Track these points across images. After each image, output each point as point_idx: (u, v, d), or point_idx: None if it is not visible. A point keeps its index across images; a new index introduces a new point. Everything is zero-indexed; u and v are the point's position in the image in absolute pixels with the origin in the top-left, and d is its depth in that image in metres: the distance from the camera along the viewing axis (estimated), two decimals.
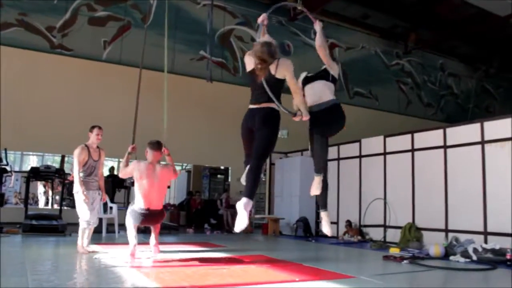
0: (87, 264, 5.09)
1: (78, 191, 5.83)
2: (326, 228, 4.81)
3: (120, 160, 14.54)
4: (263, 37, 4.58)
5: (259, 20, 4.70)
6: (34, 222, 8.28)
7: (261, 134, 4.27)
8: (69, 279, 4.07)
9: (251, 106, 4.43)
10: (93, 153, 6.08)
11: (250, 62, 4.37)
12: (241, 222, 4.03)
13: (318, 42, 4.62)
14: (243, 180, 4.38)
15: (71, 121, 11.05)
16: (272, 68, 4.26)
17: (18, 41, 11.02)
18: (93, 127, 6.15)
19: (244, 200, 4.07)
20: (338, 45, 16.00)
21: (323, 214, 4.86)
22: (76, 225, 9.64)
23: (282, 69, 4.27)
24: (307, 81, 4.77)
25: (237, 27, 14.18)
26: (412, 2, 14.57)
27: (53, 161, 15.23)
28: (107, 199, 7.03)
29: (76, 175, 5.86)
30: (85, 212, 5.87)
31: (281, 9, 14.61)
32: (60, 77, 11.40)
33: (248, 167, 4.34)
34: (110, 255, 5.61)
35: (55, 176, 12.32)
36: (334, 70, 4.69)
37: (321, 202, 4.90)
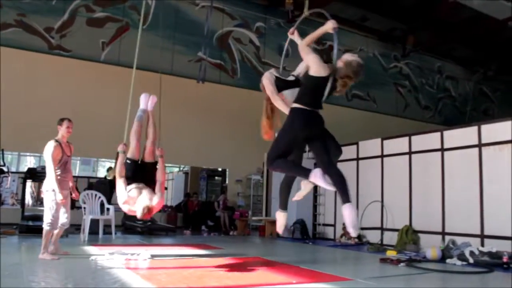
0: (84, 265, 5.08)
1: (50, 189, 5.45)
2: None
3: None
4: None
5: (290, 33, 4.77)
6: (30, 223, 8.25)
7: (330, 138, 4.27)
8: (66, 281, 4.06)
9: (317, 110, 4.00)
10: (65, 148, 5.71)
11: (326, 68, 3.97)
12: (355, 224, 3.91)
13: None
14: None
15: None
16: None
17: (17, 42, 11.00)
18: (62, 120, 5.75)
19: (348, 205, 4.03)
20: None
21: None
22: (73, 226, 9.70)
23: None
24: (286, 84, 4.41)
25: (235, 29, 14.19)
26: (410, 4, 14.60)
27: None
28: (81, 196, 6.83)
29: (52, 172, 5.46)
30: (55, 213, 5.47)
31: (279, 11, 14.67)
32: (58, 78, 11.38)
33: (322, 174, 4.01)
34: (106, 256, 5.59)
35: None
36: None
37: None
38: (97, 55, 12.02)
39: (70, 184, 5.82)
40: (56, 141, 5.62)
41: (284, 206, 4.51)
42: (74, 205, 13.31)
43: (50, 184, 5.47)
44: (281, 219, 4.53)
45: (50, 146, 5.55)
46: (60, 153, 5.58)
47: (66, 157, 5.67)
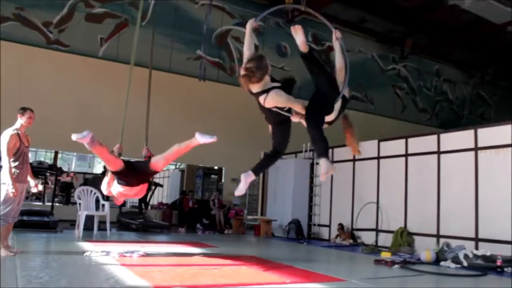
0: (78, 261, 5.06)
1: (6, 182, 5.08)
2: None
3: None
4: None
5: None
6: (25, 218, 8.21)
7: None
8: (59, 277, 4.04)
9: None
10: (23, 139, 5.38)
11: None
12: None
13: (340, 60, 4.62)
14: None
15: (65, 117, 10.99)
16: (261, 99, 4.20)
17: (14, 36, 10.95)
18: (24, 110, 5.41)
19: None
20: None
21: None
22: (68, 221, 9.69)
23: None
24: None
25: (234, 28, 14.17)
26: (409, 7, 14.61)
27: (45, 157, 15.14)
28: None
29: (7, 164, 5.10)
30: (7, 207, 5.13)
31: (279, 11, 14.63)
32: (56, 73, 11.34)
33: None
34: (100, 253, 5.57)
35: (47, 172, 12.30)
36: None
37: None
38: (95, 51, 11.98)
39: (29, 177, 5.51)
40: (14, 130, 5.29)
41: (256, 172, 4.64)
42: (69, 201, 13.27)
43: (5, 177, 5.11)
44: (244, 182, 4.57)
45: (6, 134, 5.23)
46: (17, 142, 5.26)
47: (24, 147, 5.36)
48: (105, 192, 5.47)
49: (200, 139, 4.89)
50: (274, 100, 4.18)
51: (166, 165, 5.71)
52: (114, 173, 5.16)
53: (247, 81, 4.08)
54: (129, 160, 5.67)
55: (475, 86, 20.25)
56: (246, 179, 4.56)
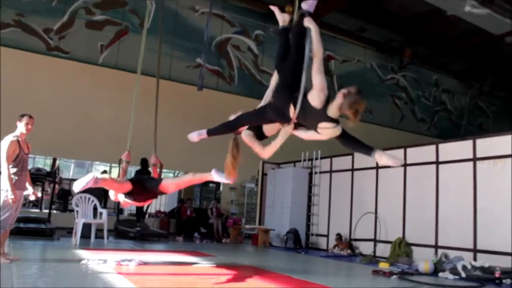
0: (75, 269, 5.03)
1: (4, 189, 5.07)
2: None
3: (113, 165, 14.52)
4: None
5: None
6: (21, 225, 8.16)
7: None
8: (56, 285, 4.01)
9: None
10: (23, 145, 5.35)
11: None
12: None
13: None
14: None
15: (64, 124, 11.00)
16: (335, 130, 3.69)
17: (15, 42, 10.97)
18: (22, 116, 5.38)
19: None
20: (334, 57, 16.09)
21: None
22: (65, 229, 9.64)
23: None
24: None
25: (234, 36, 14.23)
26: (408, 17, 14.70)
27: (44, 163, 15.10)
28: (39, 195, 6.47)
29: (5, 170, 5.08)
30: (5, 213, 5.09)
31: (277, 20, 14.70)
32: (55, 80, 11.35)
33: None
34: (97, 261, 5.54)
35: (45, 179, 12.26)
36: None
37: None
38: (95, 58, 12.00)
39: (27, 184, 5.46)
40: (14, 137, 5.28)
41: (211, 132, 4.38)
42: (67, 208, 13.20)
43: (4, 183, 5.09)
44: (195, 137, 4.48)
45: (5, 140, 5.21)
46: (17, 149, 5.23)
47: (23, 154, 5.33)
48: (112, 198, 5.49)
49: (215, 176, 4.88)
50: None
51: (176, 190, 5.78)
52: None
53: (355, 116, 3.53)
54: (140, 179, 5.67)
55: (474, 97, 20.34)
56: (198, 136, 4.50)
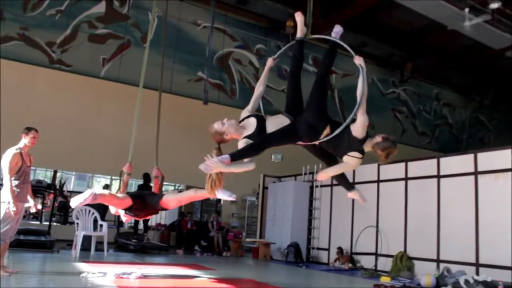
0: (74, 282, 5.00)
1: (6, 201, 5.07)
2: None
3: (114, 177, 14.51)
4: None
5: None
6: (21, 237, 8.14)
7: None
8: None
9: None
10: (25, 158, 5.39)
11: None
12: None
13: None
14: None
15: (65, 136, 11.01)
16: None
17: (18, 55, 11.05)
18: (29, 129, 5.44)
19: None
20: (335, 71, 16.16)
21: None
22: (65, 241, 9.61)
23: None
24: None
25: (236, 50, 14.31)
26: (409, 31, 14.80)
27: (45, 176, 15.10)
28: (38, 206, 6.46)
29: (8, 182, 5.11)
30: (6, 225, 5.09)
31: (280, 34, 14.81)
32: (57, 93, 11.40)
33: None
34: (97, 274, 5.51)
35: (46, 191, 12.25)
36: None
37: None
38: (97, 71, 12.07)
39: (28, 196, 5.45)
40: (17, 149, 5.32)
41: (235, 157, 3.87)
42: (67, 220, 13.19)
43: (4, 195, 5.10)
44: (213, 166, 3.81)
45: (9, 153, 5.24)
46: (19, 161, 5.26)
47: (26, 167, 5.36)
48: (112, 212, 5.47)
49: (219, 194, 4.80)
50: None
51: (177, 206, 5.73)
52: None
53: (385, 157, 4.17)
54: (140, 194, 5.63)
55: (474, 110, 20.36)
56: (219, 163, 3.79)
